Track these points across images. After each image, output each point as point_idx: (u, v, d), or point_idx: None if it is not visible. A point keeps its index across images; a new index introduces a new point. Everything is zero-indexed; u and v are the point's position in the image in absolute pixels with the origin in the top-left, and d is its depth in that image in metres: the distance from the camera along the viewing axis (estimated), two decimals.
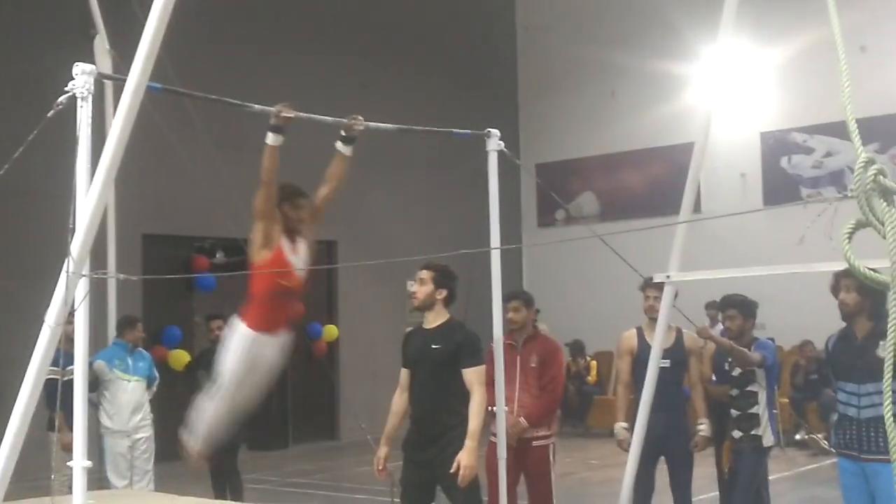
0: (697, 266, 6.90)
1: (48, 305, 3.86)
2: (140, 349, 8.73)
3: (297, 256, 5.40)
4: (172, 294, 13.30)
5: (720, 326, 7.45)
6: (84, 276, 3.77)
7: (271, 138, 5.09)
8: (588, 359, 15.50)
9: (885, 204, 2.19)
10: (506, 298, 6.48)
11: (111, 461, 8.41)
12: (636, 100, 16.71)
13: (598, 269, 14.97)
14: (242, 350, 5.27)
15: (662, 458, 6.93)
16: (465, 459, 5.38)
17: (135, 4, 7.20)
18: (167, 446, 9.18)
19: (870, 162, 2.20)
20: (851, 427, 5.35)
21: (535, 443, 6.61)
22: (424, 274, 5.75)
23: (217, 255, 14.74)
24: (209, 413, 5.37)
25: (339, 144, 5.50)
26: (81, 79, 3.94)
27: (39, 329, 3.85)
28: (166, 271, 13.06)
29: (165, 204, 12.79)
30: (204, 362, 9.55)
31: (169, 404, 9.35)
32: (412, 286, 5.86)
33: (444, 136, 6.27)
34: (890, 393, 2.40)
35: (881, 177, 2.18)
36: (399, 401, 5.89)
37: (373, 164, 14.09)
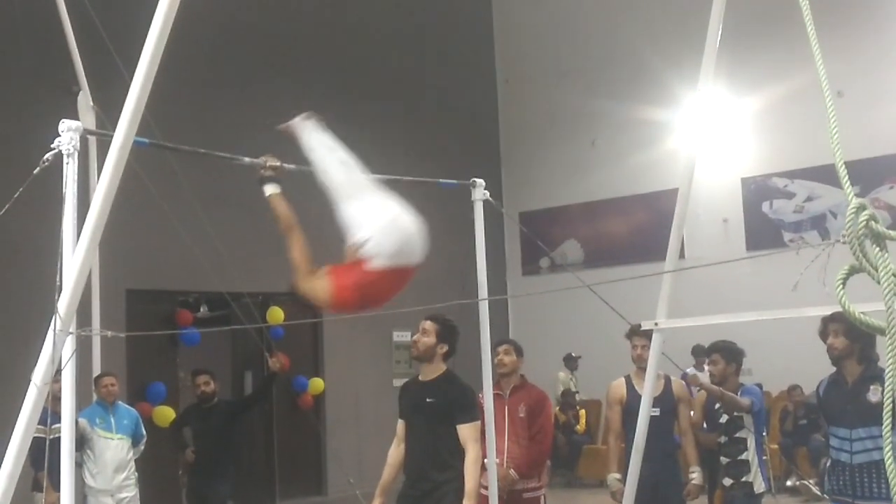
0: (683, 312, 6.89)
1: (33, 363, 3.81)
2: (123, 405, 8.64)
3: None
4: (157, 349, 13.19)
5: (706, 370, 7.44)
6: (71, 333, 3.73)
7: (268, 189, 4.97)
8: (577, 408, 15.42)
9: (877, 249, 2.19)
10: (495, 344, 6.46)
11: None
12: (617, 147, 16.82)
13: (585, 317, 14.96)
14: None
15: None
16: None
17: (118, 60, 7.23)
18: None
19: (861, 207, 2.21)
20: (844, 473, 5.33)
21: (525, 494, 6.56)
22: (428, 325, 5.71)
23: (201, 310, 14.66)
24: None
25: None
26: (67, 136, 3.93)
27: (24, 387, 3.80)
28: (150, 326, 12.96)
29: (149, 258, 12.73)
30: (190, 419, 9.49)
31: (154, 462, 9.26)
32: (414, 336, 5.78)
33: (428, 186, 6.28)
34: (890, 438, 2.38)
35: (873, 222, 2.19)
36: (395, 452, 5.85)
37: None
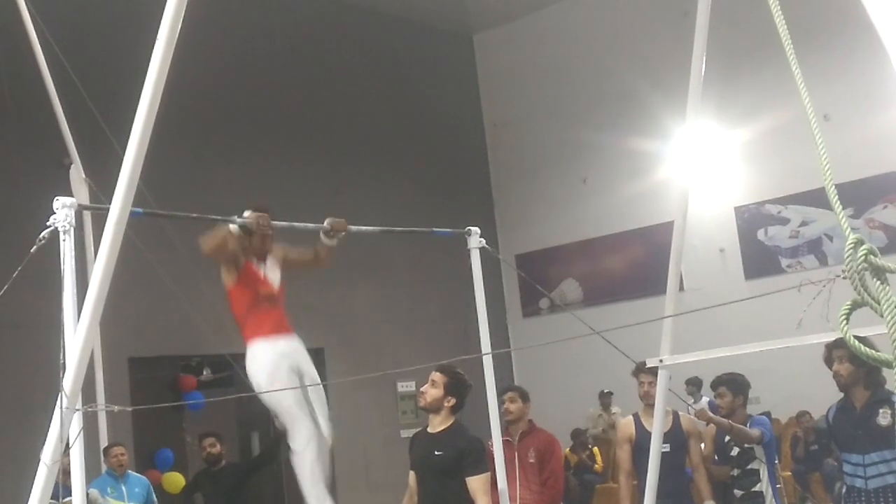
0: (685, 345, 6.86)
1: (40, 438, 3.81)
2: (133, 474, 8.60)
3: (266, 267, 5.59)
4: (162, 417, 13.13)
5: (704, 400, 7.40)
6: (78, 409, 3.72)
7: (234, 227, 5.30)
8: (591, 448, 15.32)
9: (878, 282, 2.21)
10: (501, 391, 6.43)
11: None
12: (609, 183, 16.85)
13: (588, 356, 14.93)
14: (262, 361, 5.35)
15: None
16: None
17: (107, 131, 7.28)
18: None
19: (859, 242, 2.23)
20: (860, 498, 5.31)
21: None
22: (437, 377, 5.68)
23: (204, 373, 14.62)
24: (308, 462, 5.32)
25: (323, 238, 5.69)
26: (63, 212, 3.95)
27: (32, 463, 3.79)
28: (153, 392, 12.90)
29: (149, 325, 12.71)
30: (200, 483, 9.44)
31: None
32: (423, 386, 5.78)
33: (423, 236, 6.33)
34: None
35: (872, 256, 2.21)
36: (407, 503, 5.81)
37: (354, 269, 14.10)
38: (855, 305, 2.22)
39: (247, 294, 5.46)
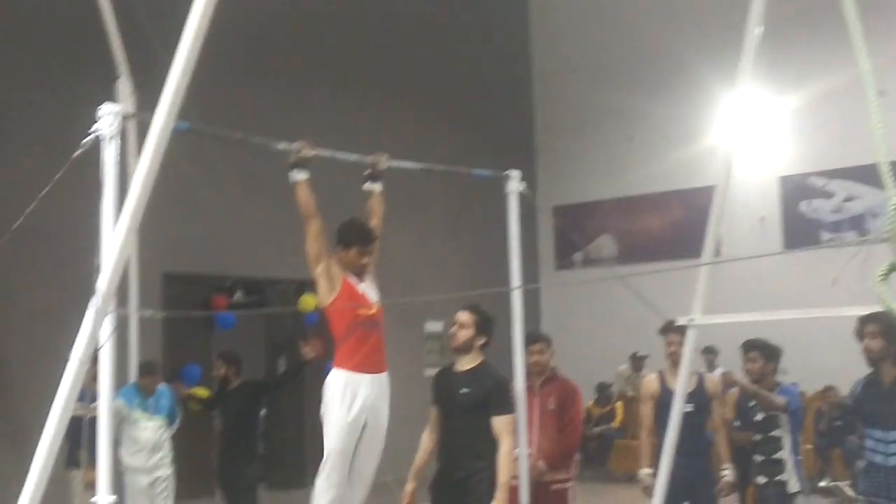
0: (718, 309, 6.84)
1: (71, 345, 3.86)
2: (160, 386, 8.71)
3: (366, 285, 5.42)
4: (192, 333, 13.29)
5: (718, 371, 7.36)
6: (110, 312, 3.77)
7: (294, 175, 5.15)
8: (614, 403, 15.36)
9: None
10: (528, 341, 6.43)
11: (131, 498, 8.39)
12: (655, 143, 16.72)
13: (617, 313, 14.94)
14: (340, 398, 5.18)
15: (686, 503, 6.84)
16: None
17: (157, 47, 7.28)
18: (188, 484, 9.17)
19: None
20: (879, 474, 5.29)
21: (553, 486, 6.52)
22: (466, 317, 5.67)
23: (236, 295, 14.76)
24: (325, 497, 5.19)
25: (367, 184, 5.65)
26: (107, 119, 3.97)
27: (63, 367, 3.85)
28: (185, 310, 13.05)
29: (186, 243, 12.81)
30: (216, 403, 9.56)
31: (188, 442, 9.35)
32: (453, 328, 5.76)
33: (461, 178, 6.28)
34: None
35: None
36: (428, 438, 5.86)
37: (391, 204, 14.10)
38: (892, 267, 2.19)
39: (345, 315, 5.24)
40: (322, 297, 5.27)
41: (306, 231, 5.18)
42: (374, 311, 5.35)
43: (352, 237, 5.33)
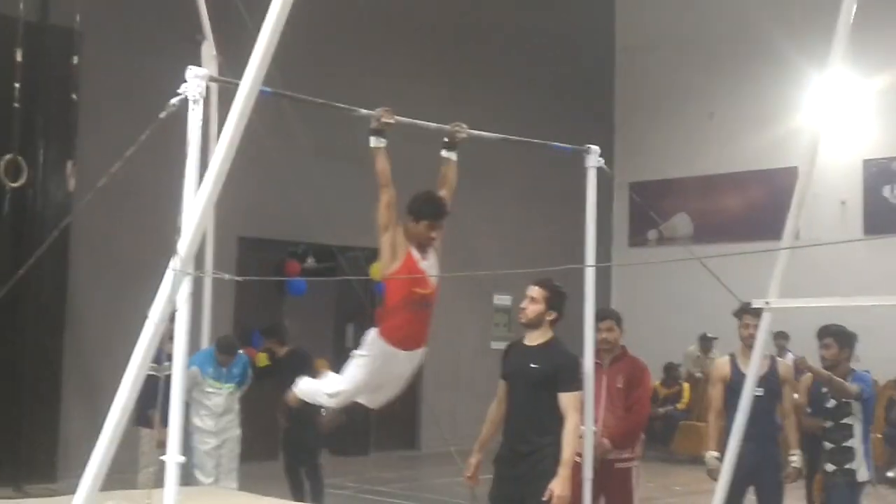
0: (795, 294, 6.75)
1: (149, 302, 3.94)
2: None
3: (429, 263, 5.40)
4: (264, 297, 13.50)
5: (789, 356, 7.25)
6: (189, 273, 3.84)
7: (374, 141, 5.16)
8: (681, 383, 15.25)
9: None
10: (597, 318, 6.40)
11: (198, 459, 8.55)
12: (735, 122, 16.47)
13: (688, 293, 14.76)
14: (371, 362, 5.28)
15: (751, 488, 6.78)
16: (559, 489, 5.33)
17: (242, 11, 7.35)
18: (253, 447, 9.34)
19: None
20: None
21: (617, 465, 6.50)
22: (536, 292, 5.64)
23: (308, 261, 14.93)
24: (319, 394, 5.49)
25: (444, 152, 5.64)
26: (194, 82, 4.03)
27: (136, 322, 3.94)
28: (258, 274, 13.26)
29: (261, 208, 12.99)
30: (270, 371, 9.58)
31: (256, 404, 9.50)
32: (522, 302, 5.75)
33: (536, 151, 6.24)
34: None
35: None
36: (495, 411, 5.87)
37: (464, 176, 14.09)
38: None
39: (401, 289, 5.26)
40: (383, 265, 5.31)
41: (380, 199, 5.22)
42: (430, 290, 5.36)
43: (424, 209, 5.33)
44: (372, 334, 5.32)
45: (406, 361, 5.37)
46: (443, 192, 5.57)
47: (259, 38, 3.63)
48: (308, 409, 9.24)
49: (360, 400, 5.53)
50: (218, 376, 8.61)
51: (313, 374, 9.40)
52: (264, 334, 9.34)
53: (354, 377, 5.34)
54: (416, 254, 5.33)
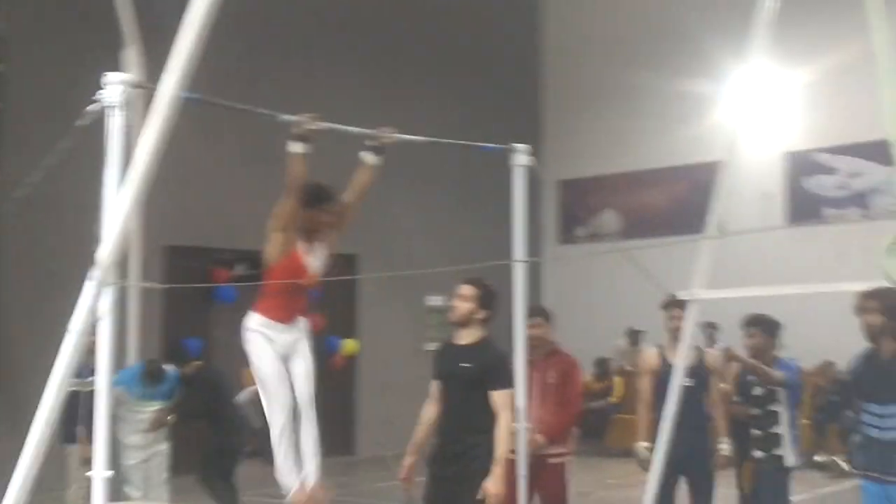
0: (720, 287, 6.85)
1: (71, 314, 3.86)
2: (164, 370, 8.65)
3: (314, 257, 5.41)
4: (192, 306, 13.32)
5: (719, 346, 7.38)
6: (110, 284, 3.77)
7: (293, 146, 5.09)
8: (613, 378, 15.40)
9: None
10: (527, 315, 6.43)
11: (127, 474, 8.43)
12: (659, 118, 16.68)
13: (618, 288, 14.95)
14: (257, 337, 5.27)
15: (683, 478, 6.87)
16: (493, 487, 5.37)
17: (165, 16, 7.25)
18: (182, 460, 9.21)
19: None
20: (874, 448, 5.31)
21: (550, 460, 6.55)
22: (467, 290, 5.66)
23: (237, 268, 14.76)
24: (282, 446, 5.25)
25: (365, 155, 5.55)
26: (113, 88, 3.96)
27: (61, 339, 3.85)
28: (185, 283, 13.07)
29: (187, 215, 12.83)
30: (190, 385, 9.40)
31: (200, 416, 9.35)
32: (454, 300, 5.74)
33: (467, 151, 6.27)
34: None
35: None
36: (428, 412, 5.86)
37: (394, 177, 14.07)
38: None
39: (284, 279, 5.29)
40: (270, 252, 5.31)
41: (285, 200, 5.20)
42: (312, 280, 5.40)
43: (310, 196, 5.30)
44: (249, 316, 5.33)
45: (287, 331, 5.34)
46: (355, 194, 5.52)
47: (178, 42, 3.58)
48: (226, 420, 9.12)
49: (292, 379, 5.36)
50: (145, 396, 8.47)
51: (224, 386, 9.33)
52: (168, 359, 9.13)
53: (258, 358, 5.27)
54: (302, 248, 5.34)
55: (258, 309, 5.34)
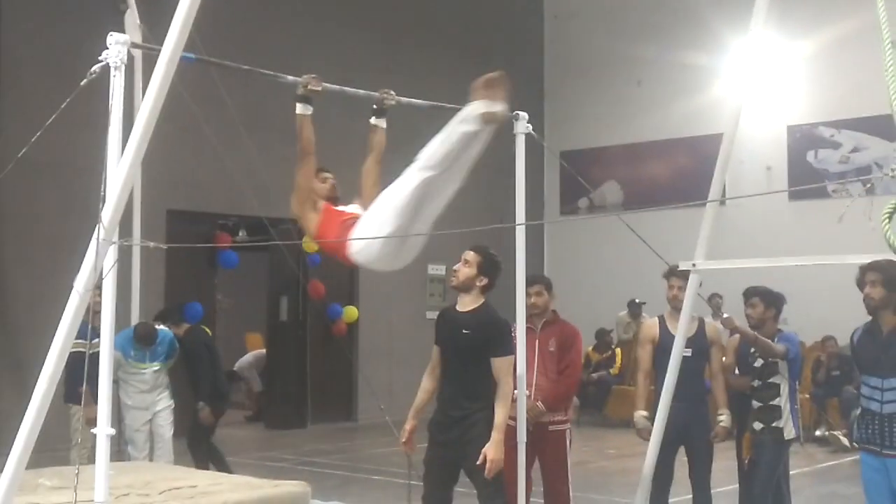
0: (722, 256, 6.85)
1: (74, 275, 3.88)
2: (159, 330, 8.64)
3: (348, 207, 5.39)
4: (195, 270, 13.35)
5: (724, 316, 7.38)
6: (114, 243, 3.79)
7: (300, 108, 5.14)
8: (614, 349, 15.44)
9: None
10: (527, 283, 6.45)
11: (129, 435, 8.50)
12: (663, 90, 16.63)
13: (619, 259, 14.96)
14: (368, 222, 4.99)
15: (682, 448, 6.91)
16: (492, 453, 5.42)
17: None
18: (183, 422, 9.27)
19: None
20: (874, 422, 5.33)
21: (551, 427, 6.58)
22: (471, 256, 5.71)
23: (240, 234, 14.80)
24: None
25: (372, 119, 5.66)
26: (115, 49, 3.96)
27: (65, 298, 3.87)
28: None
29: (191, 180, 12.83)
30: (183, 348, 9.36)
31: (187, 380, 9.39)
32: (455, 265, 5.77)
33: None
34: None
35: None
36: (429, 378, 5.92)
37: (396, 143, 14.09)
38: None
39: (333, 224, 5.20)
40: (309, 227, 5.29)
41: (300, 167, 5.22)
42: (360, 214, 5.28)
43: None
44: (354, 257, 5.09)
45: None
46: (373, 155, 5.58)
47: (180, 3, 3.57)
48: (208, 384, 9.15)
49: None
50: (141, 358, 8.49)
51: (210, 351, 9.35)
52: (158, 319, 9.15)
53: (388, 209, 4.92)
54: (332, 205, 5.35)
55: (348, 248, 5.09)
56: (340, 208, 5.35)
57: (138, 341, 8.43)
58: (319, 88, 5.15)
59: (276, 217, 9.96)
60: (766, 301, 6.75)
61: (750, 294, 6.83)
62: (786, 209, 14.86)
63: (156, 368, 8.58)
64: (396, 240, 4.90)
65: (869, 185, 2.84)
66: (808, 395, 12.82)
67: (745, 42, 7.05)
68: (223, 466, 8.75)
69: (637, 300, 15.16)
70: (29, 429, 3.85)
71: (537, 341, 6.59)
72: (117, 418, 8.25)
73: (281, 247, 11.67)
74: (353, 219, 5.20)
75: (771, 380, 6.66)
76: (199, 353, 9.04)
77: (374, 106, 5.67)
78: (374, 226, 4.93)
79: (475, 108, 4.66)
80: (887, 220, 2.30)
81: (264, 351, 15.49)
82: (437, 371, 5.85)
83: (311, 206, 5.28)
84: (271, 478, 6.49)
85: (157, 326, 8.69)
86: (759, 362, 6.70)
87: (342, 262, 5.31)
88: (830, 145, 15.10)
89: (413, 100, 5.92)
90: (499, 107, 4.62)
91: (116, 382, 8.18)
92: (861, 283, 5.44)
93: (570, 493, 6.65)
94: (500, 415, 5.49)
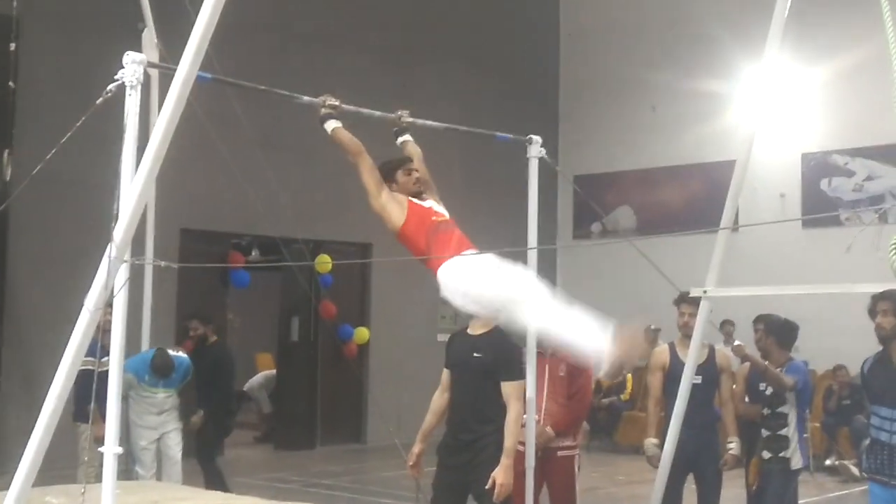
0: (734, 283, 6.84)
1: (86, 293, 3.89)
2: (175, 357, 8.59)
3: (430, 202, 5.36)
4: (207, 290, 13.37)
5: (736, 343, 7.35)
6: (126, 261, 3.80)
7: (329, 125, 5.14)
8: (625, 374, 15.34)
9: None
10: None
11: (137, 454, 8.46)
12: (677, 115, 16.63)
13: (632, 285, 14.90)
14: (460, 271, 4.98)
15: (691, 476, 6.87)
16: (501, 477, 5.40)
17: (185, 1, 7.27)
18: (192, 444, 9.27)
19: None
20: (883, 452, 5.30)
21: (560, 453, 6.56)
22: None
23: (253, 253, 14.83)
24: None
25: (398, 140, 5.71)
26: (131, 68, 3.98)
27: (76, 316, 3.88)
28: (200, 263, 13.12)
29: (204, 199, 12.87)
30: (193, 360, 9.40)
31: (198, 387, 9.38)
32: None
33: (482, 141, 6.29)
34: None
35: None
36: (438, 400, 5.91)
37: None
38: None
39: (421, 226, 5.14)
40: (394, 221, 5.17)
41: (360, 168, 5.13)
42: (443, 216, 5.28)
43: (387, 168, 5.32)
44: (440, 272, 5.05)
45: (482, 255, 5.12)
46: (415, 165, 5.52)
47: (197, 21, 3.60)
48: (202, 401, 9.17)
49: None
50: (155, 384, 8.45)
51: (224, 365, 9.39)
52: (204, 320, 9.22)
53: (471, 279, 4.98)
54: (415, 200, 5.29)
55: (437, 263, 5.06)
56: (419, 202, 5.29)
57: (155, 371, 8.40)
58: (338, 102, 5.18)
59: (288, 237, 10.01)
60: (767, 328, 6.74)
61: (756, 321, 6.82)
62: (799, 237, 14.81)
63: (168, 395, 8.57)
64: (474, 294, 4.98)
65: (881, 213, 2.83)
66: (818, 424, 12.74)
67: (760, 68, 7.06)
68: (223, 487, 8.74)
69: (653, 326, 15.09)
70: (36, 446, 3.86)
71: (547, 366, 6.57)
72: (125, 437, 8.24)
73: (293, 267, 11.69)
74: (442, 218, 5.22)
75: (780, 409, 6.63)
76: (227, 367, 9.12)
77: (395, 129, 5.72)
78: (465, 278, 4.97)
79: (608, 351, 4.85)
80: (894, 250, 2.30)
81: (274, 371, 15.48)
82: (447, 394, 5.85)
83: (391, 199, 5.17)
84: (279, 499, 6.47)
85: (173, 353, 8.58)
86: (769, 390, 6.68)
87: (421, 262, 5.24)
88: (844, 173, 15.06)
89: (427, 121, 5.94)
90: (627, 367, 4.71)
91: (126, 399, 8.18)
92: (873, 312, 5.43)
93: None
94: (509, 439, 5.47)
